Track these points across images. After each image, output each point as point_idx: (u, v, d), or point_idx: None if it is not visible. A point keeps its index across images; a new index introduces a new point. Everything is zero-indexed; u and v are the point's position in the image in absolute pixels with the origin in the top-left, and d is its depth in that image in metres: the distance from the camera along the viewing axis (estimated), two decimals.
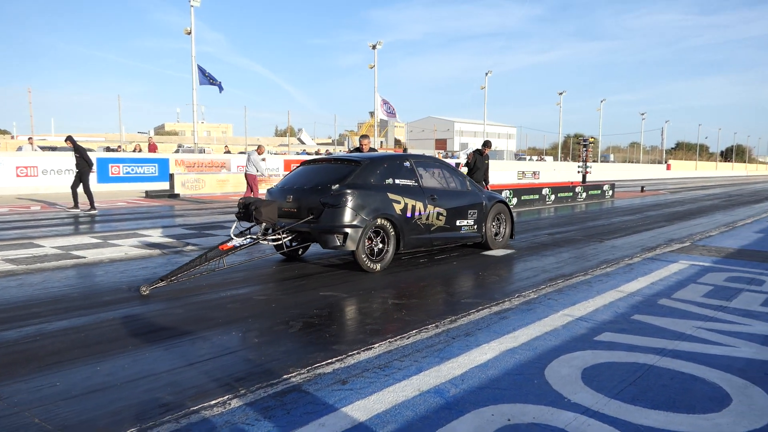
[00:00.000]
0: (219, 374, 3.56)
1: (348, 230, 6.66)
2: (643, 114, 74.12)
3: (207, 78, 24.11)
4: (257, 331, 4.53)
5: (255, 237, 6.79)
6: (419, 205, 7.46)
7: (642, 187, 30.13)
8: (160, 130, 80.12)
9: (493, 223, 8.78)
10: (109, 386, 3.37)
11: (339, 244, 6.68)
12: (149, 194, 19.40)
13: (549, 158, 61.64)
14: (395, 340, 4.27)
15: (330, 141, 63.94)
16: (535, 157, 62.98)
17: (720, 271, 6.98)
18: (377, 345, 4.15)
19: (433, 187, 7.87)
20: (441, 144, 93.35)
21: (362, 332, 4.49)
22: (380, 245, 7.05)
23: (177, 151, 32.50)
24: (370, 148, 9.84)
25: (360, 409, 3.04)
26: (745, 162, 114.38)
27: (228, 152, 33.94)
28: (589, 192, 21.68)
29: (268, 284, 6.26)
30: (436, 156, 11.13)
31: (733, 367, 3.72)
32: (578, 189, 21.09)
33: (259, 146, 16.66)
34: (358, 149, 9.79)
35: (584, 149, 24.27)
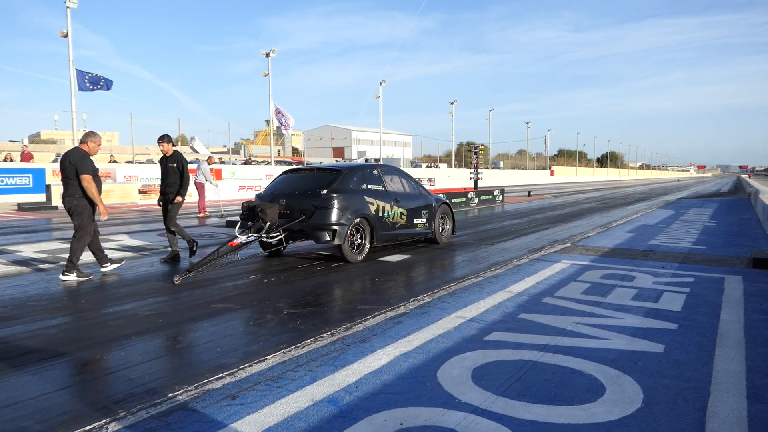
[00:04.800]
0: (96, 397, 3.31)
1: (336, 227, 7.77)
2: (528, 123, 76.86)
3: (88, 83, 22.50)
4: (141, 348, 4.27)
5: (258, 234, 7.61)
6: (387, 206, 8.77)
7: (529, 192, 31.87)
8: (35, 139, 73.81)
9: (440, 221, 10.16)
10: None
11: (329, 239, 7.75)
12: (22, 207, 17.85)
13: (443, 165, 63.44)
14: (290, 350, 4.18)
15: (225, 149, 61.93)
16: (426, 164, 64.57)
17: (597, 269, 7.50)
18: (270, 356, 4.05)
19: (395, 191, 9.22)
20: (339, 152, 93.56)
21: (255, 343, 4.37)
22: (359, 240, 8.21)
23: (55, 161, 30.13)
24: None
25: (250, 424, 2.94)
26: (618, 167, 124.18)
27: (114, 161, 31.96)
28: (481, 197, 22.59)
29: (156, 297, 5.93)
30: (394, 165, 13.20)
31: (606, 358, 3.99)
32: (471, 195, 21.92)
33: (210, 157, 18.51)
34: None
35: (475, 156, 25.28)
